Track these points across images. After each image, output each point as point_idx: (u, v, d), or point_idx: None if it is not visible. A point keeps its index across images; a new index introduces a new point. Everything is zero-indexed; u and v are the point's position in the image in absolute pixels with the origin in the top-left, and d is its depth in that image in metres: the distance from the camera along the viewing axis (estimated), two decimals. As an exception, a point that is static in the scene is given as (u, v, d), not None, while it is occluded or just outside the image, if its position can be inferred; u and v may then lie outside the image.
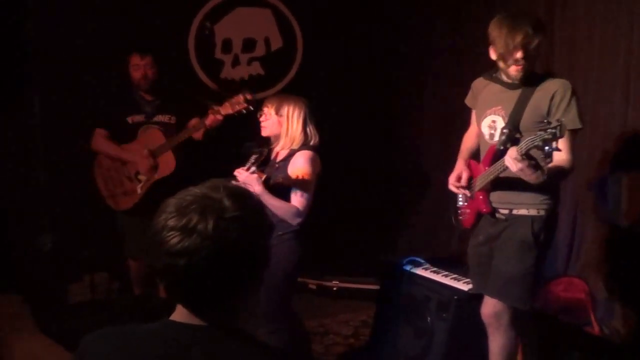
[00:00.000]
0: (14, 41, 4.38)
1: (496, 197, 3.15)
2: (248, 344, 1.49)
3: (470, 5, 4.95)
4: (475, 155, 3.33)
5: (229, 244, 1.41)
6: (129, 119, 4.32)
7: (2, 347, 3.57)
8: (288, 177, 3.26)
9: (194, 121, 4.25)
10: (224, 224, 1.40)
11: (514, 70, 3.01)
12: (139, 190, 4.26)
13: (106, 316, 4.21)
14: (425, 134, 5.51)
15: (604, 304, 4.03)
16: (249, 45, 5.29)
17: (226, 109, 4.06)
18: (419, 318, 3.68)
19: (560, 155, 2.81)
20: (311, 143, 3.40)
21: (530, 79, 3.04)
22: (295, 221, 3.28)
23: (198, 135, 4.22)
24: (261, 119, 3.47)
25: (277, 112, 3.40)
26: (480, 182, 3.16)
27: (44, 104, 4.48)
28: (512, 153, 2.77)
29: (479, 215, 3.25)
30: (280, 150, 3.43)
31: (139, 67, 4.28)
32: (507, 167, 2.86)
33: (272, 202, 3.23)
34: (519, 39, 2.90)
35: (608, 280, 4.06)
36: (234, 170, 3.30)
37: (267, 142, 3.48)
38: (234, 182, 3.04)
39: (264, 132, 3.47)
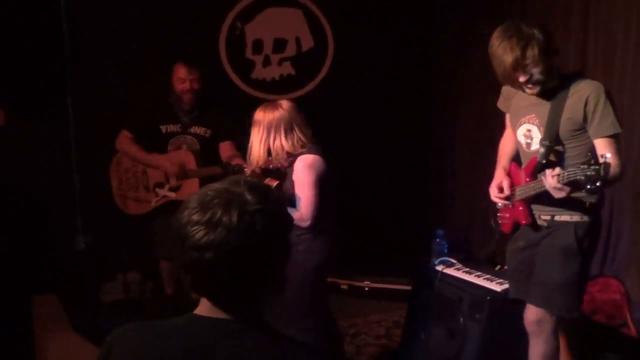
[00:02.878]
0: (49, 48, 4.44)
1: (538, 205, 3.05)
2: (273, 336, 1.50)
3: (505, 8, 4.88)
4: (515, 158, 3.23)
5: (254, 236, 1.43)
6: (163, 128, 4.32)
7: (37, 345, 3.63)
8: (292, 185, 3.25)
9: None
10: (248, 217, 1.42)
11: (527, 90, 2.92)
12: (153, 203, 4.33)
13: (139, 316, 4.26)
14: (458, 134, 5.47)
15: (641, 305, 3.96)
16: (280, 45, 5.29)
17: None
18: (451, 319, 3.64)
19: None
20: (306, 147, 3.27)
21: (561, 84, 2.91)
22: (304, 225, 3.24)
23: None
24: None
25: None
26: (520, 192, 3.06)
27: (78, 109, 4.55)
28: (552, 182, 2.67)
29: (517, 223, 3.16)
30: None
31: (184, 81, 4.25)
32: None
33: None
34: (508, 63, 2.76)
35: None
36: None
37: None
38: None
39: None
